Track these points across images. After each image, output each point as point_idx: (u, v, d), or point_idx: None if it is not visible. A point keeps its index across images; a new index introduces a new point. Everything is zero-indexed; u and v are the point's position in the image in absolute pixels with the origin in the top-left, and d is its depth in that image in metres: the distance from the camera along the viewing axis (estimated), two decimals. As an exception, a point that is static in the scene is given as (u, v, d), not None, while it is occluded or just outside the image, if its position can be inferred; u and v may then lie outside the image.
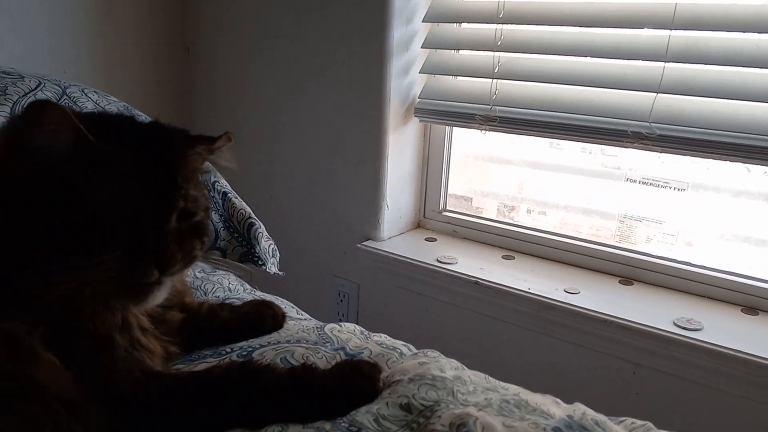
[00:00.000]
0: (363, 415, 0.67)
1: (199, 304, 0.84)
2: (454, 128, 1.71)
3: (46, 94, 1.08)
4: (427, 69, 1.64)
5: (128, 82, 1.84)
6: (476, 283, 1.48)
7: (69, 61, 1.67)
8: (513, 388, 0.77)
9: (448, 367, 0.78)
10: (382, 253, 1.65)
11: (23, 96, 1.05)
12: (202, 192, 0.73)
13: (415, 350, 0.85)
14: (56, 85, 1.13)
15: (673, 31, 1.29)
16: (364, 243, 1.70)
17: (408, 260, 1.60)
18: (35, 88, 1.08)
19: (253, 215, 1.15)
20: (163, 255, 0.63)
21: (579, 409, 0.72)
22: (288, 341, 0.83)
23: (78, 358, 0.62)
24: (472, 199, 1.79)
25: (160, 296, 0.68)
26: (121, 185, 0.62)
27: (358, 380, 0.71)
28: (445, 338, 1.58)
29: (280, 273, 1.15)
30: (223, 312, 0.87)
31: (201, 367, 0.76)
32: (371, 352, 0.82)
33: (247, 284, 1.10)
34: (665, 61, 1.30)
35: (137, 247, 0.62)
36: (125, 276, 0.62)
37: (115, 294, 0.64)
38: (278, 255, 1.17)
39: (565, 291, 1.42)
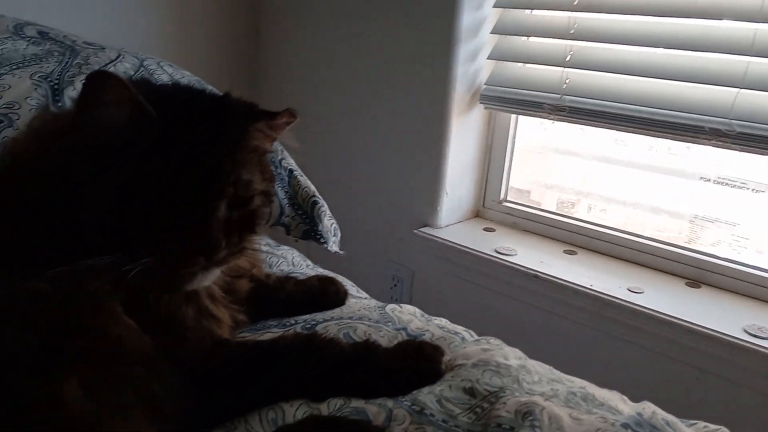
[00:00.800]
0: (425, 395, 0.66)
1: (266, 275, 0.85)
2: (519, 117, 1.67)
3: (125, 65, 1.11)
4: (496, 55, 1.61)
5: (197, 61, 1.87)
6: (536, 276, 1.45)
7: (140, 40, 1.71)
8: (579, 381, 0.75)
9: (512, 356, 0.77)
10: (439, 240, 1.64)
11: (104, 66, 1.08)
12: (263, 174, 0.71)
13: (476, 336, 0.84)
14: (134, 57, 1.16)
15: (760, 24, 1.22)
16: (421, 229, 1.69)
17: (465, 249, 1.58)
18: (115, 59, 1.11)
19: (317, 193, 1.16)
20: (207, 246, 0.63)
21: (648, 408, 0.69)
22: (350, 318, 0.83)
23: (151, 326, 0.64)
24: (530, 191, 1.75)
25: (206, 281, 0.68)
26: (172, 166, 0.62)
27: (421, 361, 0.71)
28: (498, 330, 1.54)
29: (341, 252, 1.15)
30: (288, 285, 0.87)
31: (266, 336, 0.77)
32: (432, 334, 0.82)
33: (309, 260, 1.10)
34: (750, 56, 1.24)
35: (182, 234, 0.62)
36: (170, 262, 0.63)
37: (161, 277, 0.64)
38: (339, 234, 1.17)
39: (629, 290, 1.37)
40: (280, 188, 1.13)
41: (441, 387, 0.68)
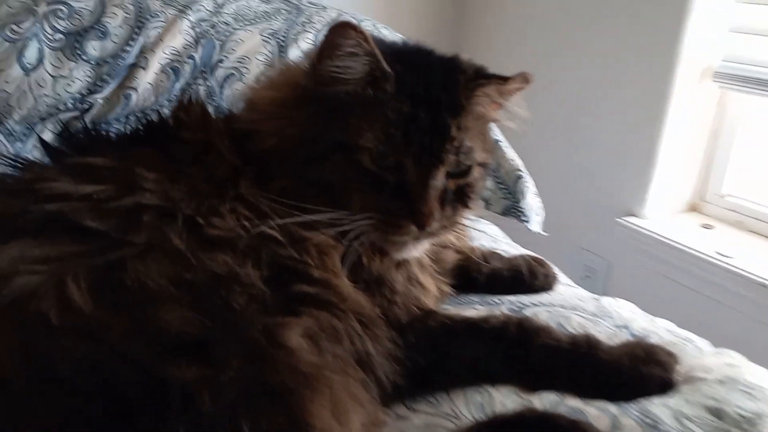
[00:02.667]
0: (658, 407, 0.57)
1: (471, 248, 0.81)
2: (757, 101, 1.43)
3: (344, 25, 1.12)
4: (741, 27, 1.38)
5: (398, 26, 1.85)
6: (763, 285, 1.24)
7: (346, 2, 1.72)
8: None
9: (763, 377, 0.64)
10: (646, 232, 1.47)
11: (325, 26, 1.09)
12: (484, 145, 0.67)
13: (713, 347, 0.72)
14: (351, 17, 1.16)
15: None
16: (624, 218, 1.53)
17: (678, 246, 1.40)
18: (335, 19, 1.12)
19: (522, 167, 1.09)
20: (420, 215, 0.60)
21: None
22: (562, 306, 0.75)
23: (363, 285, 0.63)
24: (761, 187, 1.50)
25: (415, 251, 0.65)
26: (396, 127, 0.60)
27: (652, 366, 0.61)
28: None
29: (544, 233, 1.07)
30: (493, 261, 0.82)
31: (470, 313, 0.72)
32: (660, 338, 0.71)
33: (509, 238, 1.04)
34: None
35: (397, 199, 0.60)
36: (384, 227, 0.61)
37: (374, 240, 0.63)
38: (543, 214, 1.09)
39: None
40: (484, 159, 1.07)
41: (676, 401, 0.58)
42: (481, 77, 0.66)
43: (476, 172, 0.67)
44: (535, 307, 0.74)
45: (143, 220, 0.54)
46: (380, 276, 0.65)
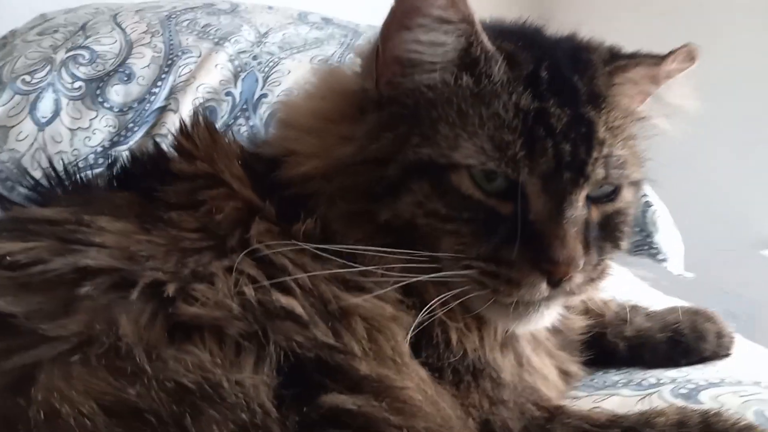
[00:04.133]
0: None
1: (603, 302, 0.58)
2: None
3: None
4: None
5: None
6: None
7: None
8: None
9: None
10: (805, 266, 1.19)
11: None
12: (634, 153, 0.48)
13: None
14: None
15: None
16: (773, 250, 1.26)
17: None
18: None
19: (651, 191, 0.86)
20: (553, 260, 0.41)
21: None
22: (756, 383, 0.52)
23: (451, 376, 0.44)
24: None
25: (543, 320, 0.46)
26: (511, 130, 0.42)
27: None
28: None
29: (688, 274, 0.83)
30: (637, 318, 0.59)
31: (612, 402, 0.51)
32: None
33: (644, 284, 0.80)
34: None
35: (515, 240, 0.41)
36: (492, 283, 0.42)
37: (478, 306, 0.44)
38: (683, 251, 0.85)
39: None
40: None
41: None
42: (621, 57, 0.49)
43: (628, 194, 0.48)
44: (715, 388, 0.51)
45: (80, 294, 0.36)
46: (480, 362, 0.44)
